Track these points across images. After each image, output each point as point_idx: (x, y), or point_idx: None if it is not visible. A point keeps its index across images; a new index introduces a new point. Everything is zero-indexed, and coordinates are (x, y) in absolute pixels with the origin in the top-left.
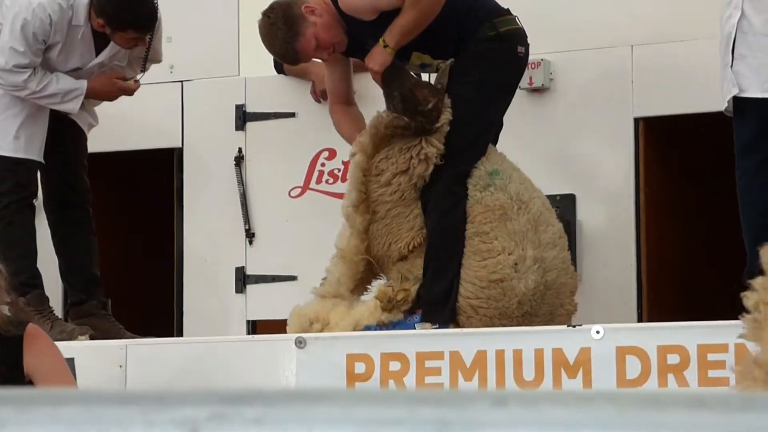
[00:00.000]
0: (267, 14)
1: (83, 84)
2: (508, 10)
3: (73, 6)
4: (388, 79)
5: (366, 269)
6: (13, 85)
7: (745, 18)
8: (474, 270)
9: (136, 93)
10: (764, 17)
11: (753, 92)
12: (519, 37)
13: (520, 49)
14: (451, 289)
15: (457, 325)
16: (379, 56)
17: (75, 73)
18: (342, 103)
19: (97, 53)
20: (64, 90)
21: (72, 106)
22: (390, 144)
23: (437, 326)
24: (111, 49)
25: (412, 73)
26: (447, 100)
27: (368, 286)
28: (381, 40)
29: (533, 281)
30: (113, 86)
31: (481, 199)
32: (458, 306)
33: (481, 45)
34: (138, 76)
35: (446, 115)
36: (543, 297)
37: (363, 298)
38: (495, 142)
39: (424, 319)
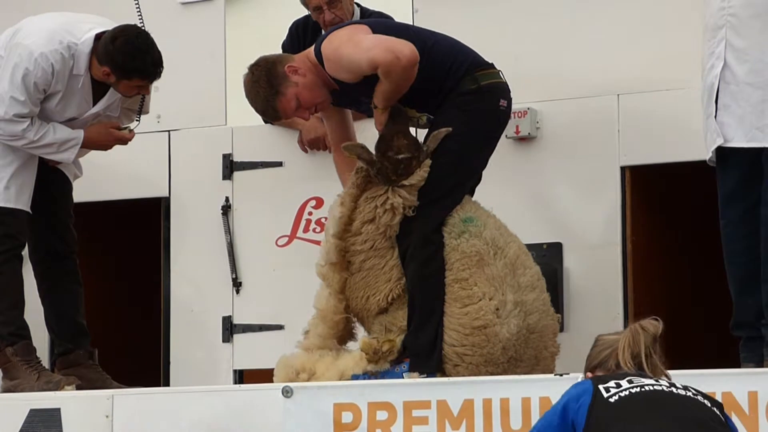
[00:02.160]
0: (252, 70)
1: (80, 134)
2: (491, 64)
3: (75, 55)
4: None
5: (345, 328)
6: (11, 134)
7: (728, 68)
8: (456, 317)
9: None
10: (747, 67)
11: (738, 142)
12: (501, 90)
13: (502, 102)
14: (436, 337)
15: (444, 374)
16: (377, 117)
17: (69, 123)
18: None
19: (94, 103)
20: (61, 140)
21: (68, 156)
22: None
23: (425, 375)
24: (108, 98)
25: (408, 124)
26: (426, 162)
27: (343, 347)
28: (372, 103)
29: (515, 325)
30: (110, 135)
31: (457, 246)
32: (444, 354)
33: (462, 98)
34: (132, 125)
35: (418, 176)
36: (527, 341)
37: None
38: (471, 193)
39: (412, 369)
